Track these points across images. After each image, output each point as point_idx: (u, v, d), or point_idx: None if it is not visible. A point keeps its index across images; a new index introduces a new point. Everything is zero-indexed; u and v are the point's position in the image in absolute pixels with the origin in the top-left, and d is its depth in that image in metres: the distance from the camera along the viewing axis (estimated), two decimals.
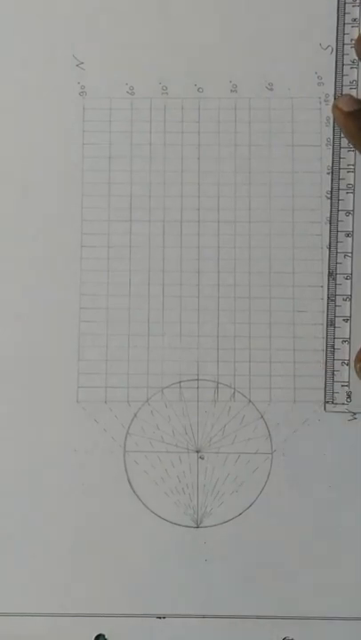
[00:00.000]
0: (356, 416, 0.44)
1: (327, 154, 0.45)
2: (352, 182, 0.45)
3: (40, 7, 0.47)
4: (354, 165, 0.45)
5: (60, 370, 0.45)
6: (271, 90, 0.46)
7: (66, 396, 0.45)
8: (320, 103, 0.46)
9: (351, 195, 0.45)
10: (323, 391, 0.44)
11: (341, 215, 0.45)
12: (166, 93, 0.46)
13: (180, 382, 0.44)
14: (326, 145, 0.45)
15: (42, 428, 0.44)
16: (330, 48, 0.46)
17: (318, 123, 0.46)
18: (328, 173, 0.45)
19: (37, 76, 0.46)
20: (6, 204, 0.46)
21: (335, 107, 0.42)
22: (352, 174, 0.45)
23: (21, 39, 0.47)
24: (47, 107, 0.46)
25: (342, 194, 0.45)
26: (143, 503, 0.44)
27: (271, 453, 0.44)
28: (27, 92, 0.46)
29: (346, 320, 0.44)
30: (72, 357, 0.45)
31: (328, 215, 0.45)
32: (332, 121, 0.45)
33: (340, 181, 0.45)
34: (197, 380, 0.45)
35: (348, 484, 0.44)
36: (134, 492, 0.44)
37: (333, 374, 0.44)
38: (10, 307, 0.45)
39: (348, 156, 0.45)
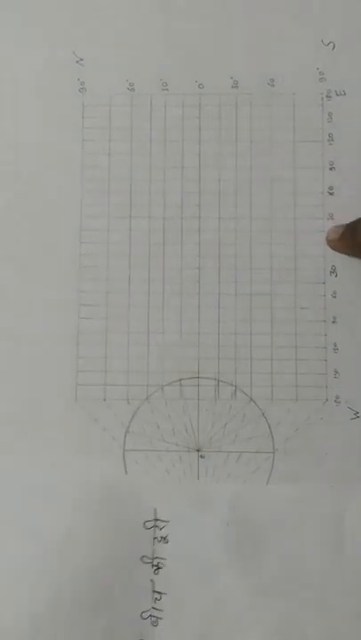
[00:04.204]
0: (358, 414, 0.43)
1: (329, 150, 0.45)
2: None
3: (40, 4, 0.47)
4: None
5: (59, 367, 0.44)
6: (272, 86, 0.46)
7: (64, 394, 0.44)
8: (322, 99, 0.45)
9: None
10: (325, 389, 0.44)
11: None
12: (167, 90, 0.46)
13: (180, 380, 0.44)
14: (328, 141, 0.45)
15: (41, 427, 0.44)
16: (331, 44, 0.46)
17: (320, 119, 0.45)
18: (330, 169, 0.45)
19: (37, 73, 0.46)
20: (5, 200, 0.45)
21: (329, 240, 0.44)
22: None
23: (21, 36, 0.46)
24: (47, 103, 0.46)
25: None
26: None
27: (273, 452, 0.43)
28: (27, 89, 0.46)
29: None
30: (71, 355, 0.44)
31: (330, 211, 0.45)
32: (333, 117, 0.45)
33: None
34: (198, 377, 0.44)
35: (351, 483, 0.43)
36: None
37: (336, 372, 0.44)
38: (9, 304, 0.45)
39: None
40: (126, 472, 0.43)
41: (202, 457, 0.44)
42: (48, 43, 0.46)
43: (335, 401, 0.44)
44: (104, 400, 0.44)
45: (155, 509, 0.42)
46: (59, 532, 0.42)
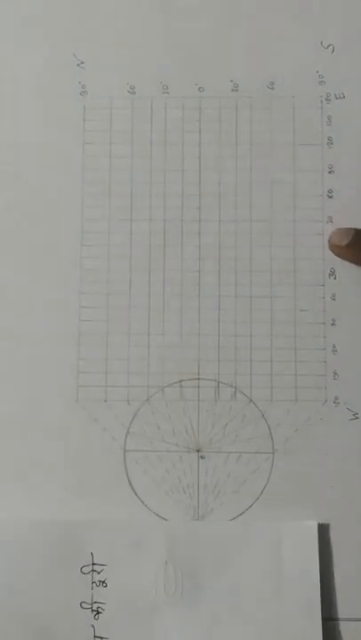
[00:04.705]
0: (357, 415, 0.44)
1: (328, 153, 0.45)
2: None
3: (41, 7, 0.47)
4: None
5: (60, 369, 0.44)
6: (272, 89, 0.46)
7: (65, 395, 0.44)
8: (321, 102, 0.46)
9: None
10: (324, 390, 0.44)
11: None
12: (167, 92, 0.46)
13: (180, 381, 0.44)
14: (327, 144, 0.45)
15: (41, 428, 0.44)
16: (331, 47, 0.46)
17: (319, 121, 0.46)
18: (329, 172, 0.45)
19: (38, 76, 0.46)
20: (5, 203, 0.46)
21: (332, 245, 0.44)
22: None
23: (22, 39, 0.47)
24: (48, 106, 0.46)
25: None
26: (143, 503, 0.43)
27: (272, 453, 0.44)
28: (28, 92, 0.46)
29: None
30: (72, 356, 0.45)
31: (329, 214, 0.45)
32: (332, 120, 0.45)
33: None
34: (198, 378, 0.44)
35: (350, 483, 0.43)
36: (134, 491, 0.44)
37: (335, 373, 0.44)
38: (10, 306, 0.45)
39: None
40: (127, 472, 0.44)
41: (202, 457, 0.44)
42: (48, 44, 0.47)
43: (334, 402, 0.44)
44: (105, 401, 0.44)
45: (91, 553, 0.42)
46: None
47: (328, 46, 0.46)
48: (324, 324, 0.44)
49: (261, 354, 0.44)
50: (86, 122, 0.46)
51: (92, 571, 0.42)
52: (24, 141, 0.46)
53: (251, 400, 0.44)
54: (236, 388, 0.44)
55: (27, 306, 0.45)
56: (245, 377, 0.44)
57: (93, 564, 0.42)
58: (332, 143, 0.45)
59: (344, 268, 0.45)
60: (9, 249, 0.45)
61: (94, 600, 0.42)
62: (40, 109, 0.46)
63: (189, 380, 0.44)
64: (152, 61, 0.46)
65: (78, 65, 0.46)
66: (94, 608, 0.42)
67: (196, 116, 0.46)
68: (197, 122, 0.46)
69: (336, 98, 0.46)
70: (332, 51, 0.46)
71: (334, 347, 0.44)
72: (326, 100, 0.46)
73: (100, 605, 0.42)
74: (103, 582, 0.42)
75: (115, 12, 0.47)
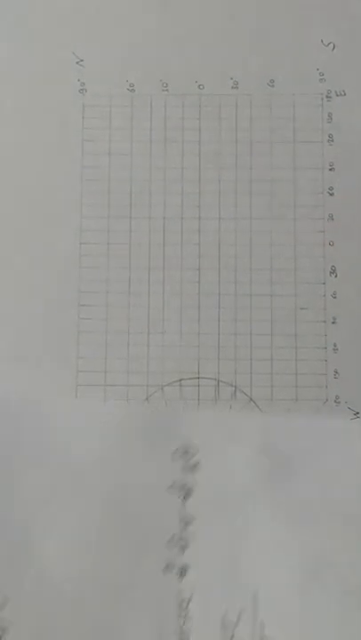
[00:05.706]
0: (359, 414, 0.43)
1: (329, 150, 0.45)
2: None
3: (40, 4, 0.47)
4: None
5: (59, 368, 0.44)
6: (272, 86, 0.46)
7: (64, 394, 0.44)
8: (322, 100, 0.46)
9: None
10: (325, 389, 0.44)
11: None
12: (167, 90, 0.46)
13: (180, 380, 0.44)
14: (328, 141, 0.45)
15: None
16: (331, 44, 0.46)
17: (320, 119, 0.45)
18: (330, 170, 0.45)
19: (37, 73, 0.46)
20: (5, 201, 0.45)
21: None
22: None
23: (21, 36, 0.46)
24: (47, 104, 0.46)
25: None
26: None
27: None
28: (27, 89, 0.46)
29: None
30: (71, 355, 0.44)
31: (330, 212, 0.45)
32: (333, 117, 0.45)
33: None
34: (198, 377, 0.44)
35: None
36: None
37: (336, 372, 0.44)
38: (8, 305, 0.45)
39: None
40: None
41: None
42: (48, 43, 0.46)
43: (335, 401, 0.44)
44: (104, 400, 0.44)
45: (185, 437, 0.42)
46: (86, 461, 0.43)
47: (328, 44, 0.46)
48: (324, 322, 0.44)
49: (262, 352, 0.44)
50: (85, 119, 0.46)
51: (185, 453, 0.42)
52: (23, 139, 0.46)
53: (251, 399, 0.44)
54: (236, 387, 0.44)
55: (26, 305, 0.45)
56: (245, 376, 0.44)
57: (186, 447, 0.42)
58: (332, 140, 0.45)
59: (345, 265, 0.44)
60: (8, 247, 0.45)
61: (184, 483, 0.42)
62: (39, 107, 0.46)
63: (189, 378, 0.44)
64: (152, 59, 0.46)
65: (77, 63, 0.46)
66: (184, 490, 0.42)
67: (195, 114, 0.46)
68: (197, 119, 0.46)
69: (337, 95, 0.45)
70: (333, 48, 0.46)
71: (335, 345, 0.44)
72: (327, 97, 0.46)
73: (189, 488, 0.42)
74: (195, 466, 0.42)
75: (114, 10, 0.47)
